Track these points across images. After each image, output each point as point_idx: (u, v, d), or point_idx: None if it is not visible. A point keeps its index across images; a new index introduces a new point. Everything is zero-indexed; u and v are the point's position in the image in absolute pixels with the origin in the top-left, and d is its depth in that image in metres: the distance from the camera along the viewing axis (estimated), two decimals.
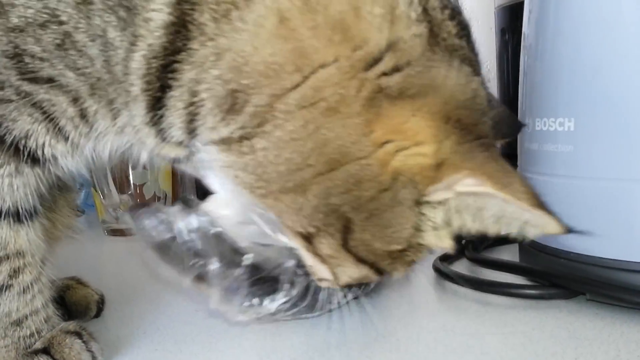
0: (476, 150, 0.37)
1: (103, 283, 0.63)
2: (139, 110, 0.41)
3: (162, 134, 0.43)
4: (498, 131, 0.46)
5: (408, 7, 0.37)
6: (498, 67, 1.15)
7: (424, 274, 0.64)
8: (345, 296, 0.49)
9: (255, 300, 0.46)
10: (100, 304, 0.60)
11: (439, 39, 0.38)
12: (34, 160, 0.44)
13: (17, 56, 0.40)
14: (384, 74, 0.37)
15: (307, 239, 0.42)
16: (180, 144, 0.43)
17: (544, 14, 0.58)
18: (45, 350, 0.47)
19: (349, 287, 0.48)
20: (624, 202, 0.51)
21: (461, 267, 0.65)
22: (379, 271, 0.44)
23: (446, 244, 0.42)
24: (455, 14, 0.40)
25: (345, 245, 0.41)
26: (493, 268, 0.61)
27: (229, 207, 0.45)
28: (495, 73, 1.26)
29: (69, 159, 0.46)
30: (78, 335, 0.48)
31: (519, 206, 0.37)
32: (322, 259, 0.43)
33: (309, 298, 0.47)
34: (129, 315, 0.58)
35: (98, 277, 0.66)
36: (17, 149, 0.43)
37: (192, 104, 0.40)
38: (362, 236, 0.41)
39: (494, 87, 1.32)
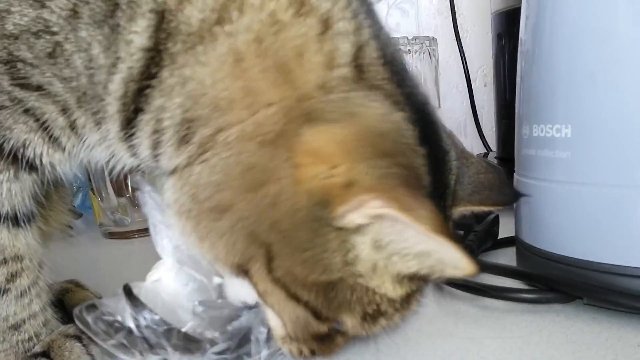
0: (388, 176, 0.36)
1: (101, 285, 0.63)
2: (113, 127, 0.43)
3: (132, 150, 0.44)
4: (486, 195, 0.48)
5: (343, 57, 0.40)
6: (495, 72, 1.16)
7: None
8: None
9: None
10: None
11: (364, 78, 0.40)
12: (32, 167, 0.45)
13: (10, 62, 0.41)
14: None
15: (243, 271, 0.41)
16: (147, 160, 0.44)
17: (540, 20, 0.58)
18: (45, 354, 0.47)
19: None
20: (621, 207, 0.51)
21: None
22: (317, 314, 0.42)
23: (388, 290, 0.41)
24: (390, 62, 0.42)
25: (271, 274, 0.40)
26: (490, 272, 0.61)
27: (169, 271, 0.48)
28: (492, 78, 1.27)
29: (66, 167, 0.47)
30: (78, 338, 0.48)
31: (421, 231, 0.35)
32: (263, 298, 0.42)
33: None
34: None
35: (96, 279, 0.66)
36: (15, 157, 0.44)
37: (156, 131, 0.42)
38: (283, 262, 0.40)
39: (490, 92, 1.33)
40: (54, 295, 0.52)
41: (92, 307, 0.47)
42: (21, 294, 0.47)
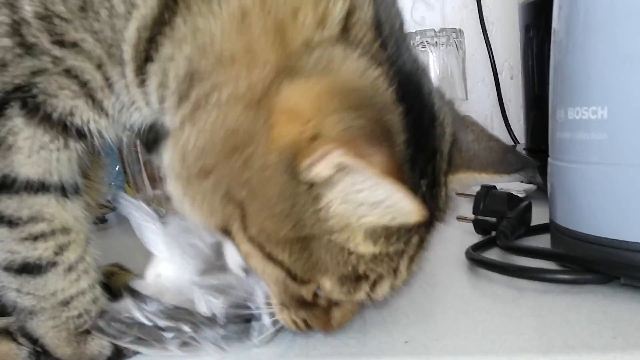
0: (353, 128, 0.36)
1: (138, 271, 0.65)
2: (130, 74, 0.44)
3: (147, 98, 0.46)
4: (487, 162, 0.48)
5: (333, 18, 0.41)
6: (523, 63, 1.15)
7: (456, 263, 0.66)
8: None
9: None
10: None
11: (348, 37, 0.41)
12: (81, 135, 0.46)
13: (46, 17, 0.42)
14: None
15: (227, 232, 0.43)
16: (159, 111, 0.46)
17: (574, 9, 0.58)
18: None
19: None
20: None
21: (494, 255, 0.66)
22: (293, 275, 0.43)
23: (360, 246, 0.41)
24: (381, 26, 0.43)
25: (246, 232, 0.41)
26: (525, 255, 0.62)
27: (165, 262, 0.50)
28: (518, 70, 1.26)
29: (111, 133, 0.48)
30: None
31: (372, 175, 0.36)
32: (247, 259, 0.44)
33: None
34: None
35: (132, 266, 0.68)
36: (65, 126, 0.45)
37: (162, 84, 0.43)
38: (254, 218, 0.41)
39: (517, 85, 1.33)
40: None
41: (102, 312, 0.48)
42: (69, 268, 0.48)
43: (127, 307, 0.47)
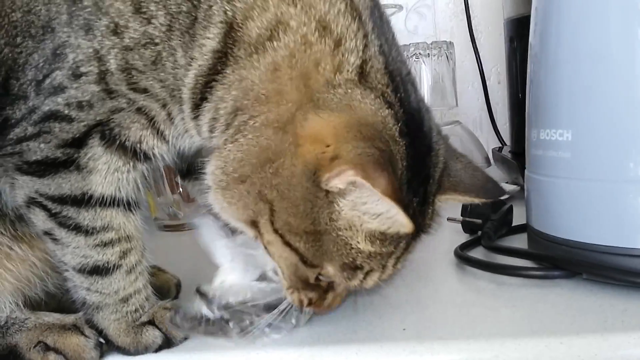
0: (365, 154, 0.46)
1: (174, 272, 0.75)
2: (187, 109, 0.54)
3: (198, 129, 0.56)
4: (470, 188, 0.58)
5: (349, 66, 0.51)
6: (507, 72, 1.25)
7: (446, 261, 0.76)
8: None
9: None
10: (178, 286, 0.72)
11: (365, 81, 0.51)
12: (147, 158, 0.57)
13: (126, 70, 0.52)
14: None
15: (255, 225, 0.53)
16: (206, 139, 0.56)
17: (545, 32, 0.68)
18: (151, 322, 0.58)
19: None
20: (614, 198, 0.62)
21: (478, 253, 0.76)
22: (305, 260, 0.52)
23: (361, 244, 0.51)
24: (391, 72, 0.52)
25: (273, 225, 0.51)
26: (505, 254, 0.72)
27: (229, 272, 0.59)
28: (505, 76, 1.36)
29: (170, 156, 0.59)
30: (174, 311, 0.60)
31: (377, 194, 0.46)
32: (267, 246, 0.54)
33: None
34: None
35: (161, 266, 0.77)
36: (135, 151, 0.56)
37: (214, 118, 0.54)
38: (281, 215, 0.51)
39: (504, 89, 1.43)
40: None
41: (177, 311, 0.58)
42: (130, 270, 0.58)
43: (198, 306, 0.57)
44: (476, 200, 0.59)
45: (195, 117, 0.55)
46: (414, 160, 0.52)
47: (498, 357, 0.52)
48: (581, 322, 0.55)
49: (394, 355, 0.53)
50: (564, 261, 0.65)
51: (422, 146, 0.53)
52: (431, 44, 1.25)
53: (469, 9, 1.43)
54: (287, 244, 0.52)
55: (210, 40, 0.51)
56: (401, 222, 0.49)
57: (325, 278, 0.55)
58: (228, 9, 0.51)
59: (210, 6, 0.51)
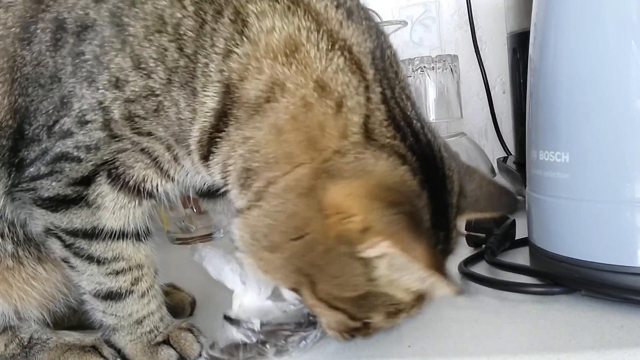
0: (394, 222, 0.47)
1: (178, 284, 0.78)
2: (196, 158, 0.57)
3: (212, 177, 0.58)
4: (487, 204, 0.60)
5: (353, 127, 0.51)
6: (511, 83, 1.28)
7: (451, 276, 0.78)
8: None
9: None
10: (193, 304, 0.75)
11: (373, 140, 0.51)
12: (151, 196, 0.60)
13: (130, 118, 0.55)
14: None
15: (296, 291, 0.56)
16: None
17: (544, 48, 0.70)
18: (166, 342, 0.61)
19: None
20: (611, 218, 0.64)
21: (481, 268, 0.78)
22: (352, 317, 0.55)
23: (403, 296, 0.54)
24: (395, 122, 0.52)
25: (316, 295, 0.53)
26: (508, 270, 0.75)
27: (244, 295, 0.62)
28: (509, 87, 1.38)
29: (175, 192, 0.62)
30: (190, 330, 0.62)
31: (417, 266, 0.48)
32: (311, 308, 0.57)
33: None
34: (214, 312, 0.72)
35: (172, 280, 0.78)
36: (139, 190, 0.59)
37: (224, 171, 0.55)
38: (323, 287, 0.53)
39: (508, 98, 1.45)
40: None
41: (213, 344, 0.61)
42: (142, 294, 0.61)
43: (230, 332, 0.60)
44: (495, 215, 0.61)
45: (207, 167, 0.57)
46: (435, 202, 0.52)
47: None
48: (579, 339, 0.58)
49: None
50: (564, 278, 0.68)
51: (439, 182, 0.54)
52: (436, 57, 1.28)
53: (472, 21, 1.46)
54: (333, 307, 0.54)
55: (209, 98, 0.52)
56: (444, 288, 0.50)
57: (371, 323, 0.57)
58: (224, 68, 0.51)
59: (207, 64, 0.52)
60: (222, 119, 0.53)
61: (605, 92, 0.63)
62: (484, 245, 0.85)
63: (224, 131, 0.53)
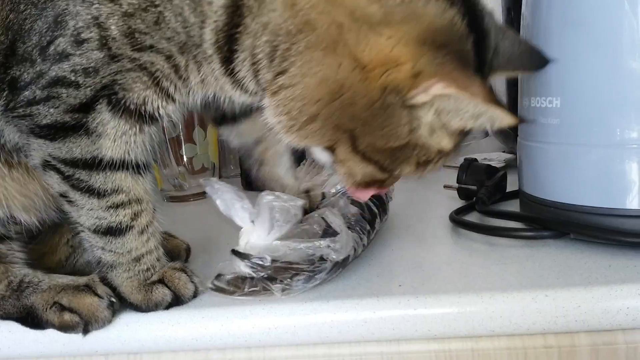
0: (446, 63, 0.47)
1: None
2: (216, 65, 0.56)
3: (238, 85, 0.57)
4: (518, 64, 0.60)
5: None
6: None
7: (442, 225, 0.80)
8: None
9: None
10: (188, 251, 0.75)
11: None
12: (153, 119, 0.59)
13: (130, 34, 0.54)
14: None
15: (331, 149, 0.56)
16: (255, 93, 0.58)
17: (536, 17, 0.71)
18: (161, 281, 0.61)
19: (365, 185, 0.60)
20: (600, 162, 0.65)
21: (473, 218, 0.79)
22: (383, 168, 0.56)
23: (444, 143, 0.55)
24: None
25: (355, 149, 0.54)
26: (498, 217, 0.76)
27: (252, 232, 0.62)
28: None
29: (178, 114, 0.61)
30: (183, 271, 0.62)
31: (477, 102, 0.49)
32: (341, 163, 0.57)
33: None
34: (207, 260, 0.74)
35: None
36: (140, 114, 0.58)
37: (254, 63, 0.55)
38: (365, 139, 0.53)
39: None
40: None
41: (219, 275, 0.61)
42: (142, 231, 0.60)
43: (237, 266, 0.60)
44: (526, 73, 0.62)
45: (230, 73, 0.56)
46: (478, 52, 0.53)
47: (487, 309, 0.56)
48: (566, 277, 0.59)
49: (390, 308, 0.57)
50: (553, 222, 0.69)
51: (481, 34, 0.54)
52: None
53: None
54: (367, 159, 0.56)
55: None
56: (505, 119, 0.50)
57: (396, 174, 0.58)
58: None
59: None
60: (235, 13, 0.53)
61: (594, 33, 0.64)
62: (475, 198, 0.86)
63: (242, 24, 0.53)
